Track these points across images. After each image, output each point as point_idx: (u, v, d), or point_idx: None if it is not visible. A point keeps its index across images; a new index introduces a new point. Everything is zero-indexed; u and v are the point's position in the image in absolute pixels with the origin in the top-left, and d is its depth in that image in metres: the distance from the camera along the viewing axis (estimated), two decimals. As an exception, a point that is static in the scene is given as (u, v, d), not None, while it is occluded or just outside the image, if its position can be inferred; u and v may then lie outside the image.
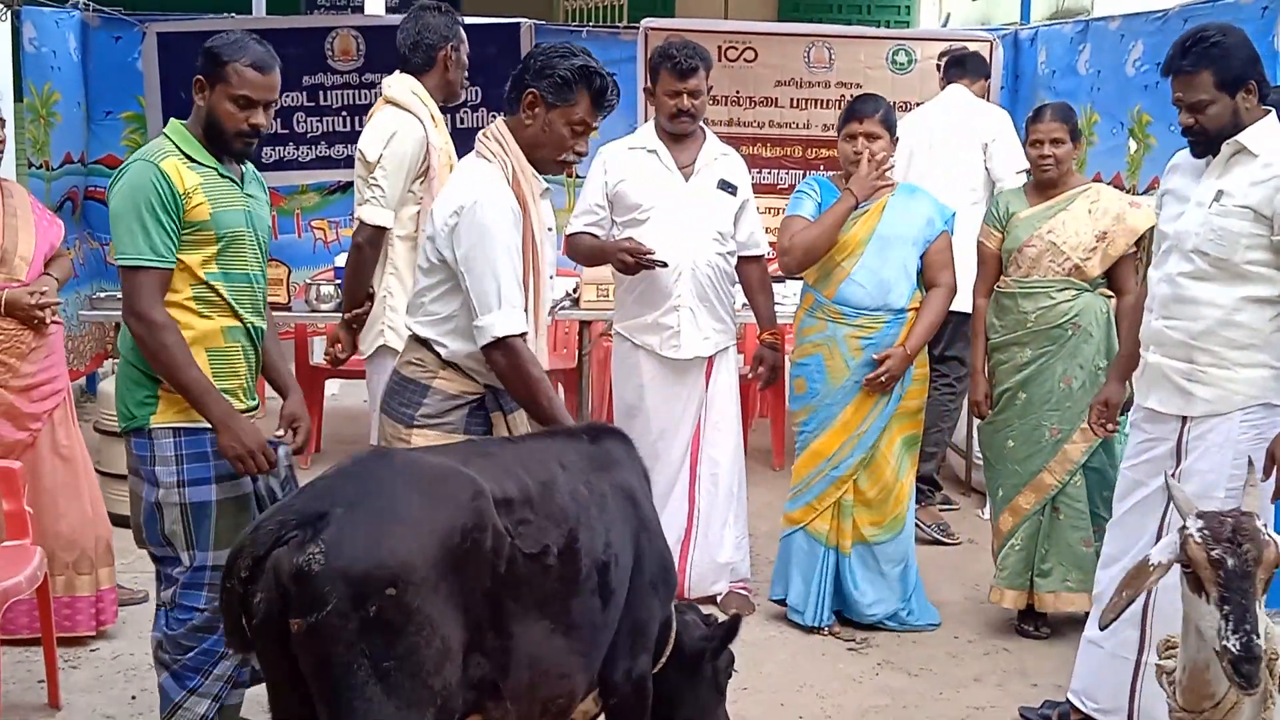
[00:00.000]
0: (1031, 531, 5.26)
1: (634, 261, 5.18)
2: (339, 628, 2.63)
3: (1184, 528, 3.09)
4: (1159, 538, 4.15)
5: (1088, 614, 4.73)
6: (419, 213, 4.82)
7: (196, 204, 3.63)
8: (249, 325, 3.78)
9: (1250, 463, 4.00)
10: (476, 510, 2.86)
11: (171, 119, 3.81)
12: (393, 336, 4.86)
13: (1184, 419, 4.09)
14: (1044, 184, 5.26)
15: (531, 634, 3.00)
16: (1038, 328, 5.19)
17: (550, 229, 3.92)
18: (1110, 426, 4.70)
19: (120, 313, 7.32)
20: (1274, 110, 4.02)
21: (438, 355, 3.79)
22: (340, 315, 5.03)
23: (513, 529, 2.95)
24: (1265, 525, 3.10)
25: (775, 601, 5.49)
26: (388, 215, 4.85)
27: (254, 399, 3.88)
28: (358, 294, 4.90)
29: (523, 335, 3.67)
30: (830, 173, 5.64)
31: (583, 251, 5.50)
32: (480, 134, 3.87)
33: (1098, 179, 6.85)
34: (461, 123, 8.52)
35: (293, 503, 2.85)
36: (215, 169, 3.71)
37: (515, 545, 2.95)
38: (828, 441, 5.29)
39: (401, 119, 4.87)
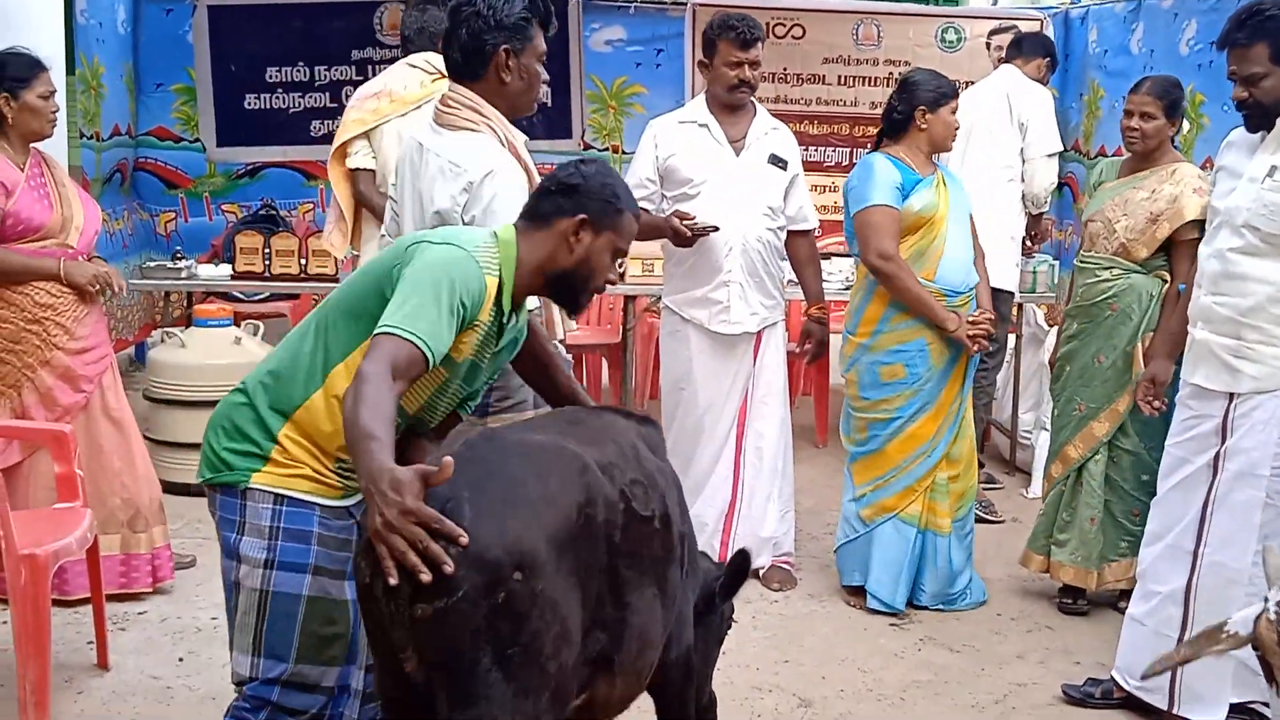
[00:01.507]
0: (1054, 500, 5.33)
1: (689, 234, 5.14)
2: (468, 614, 2.52)
3: (1265, 600, 2.65)
4: (1203, 517, 4.16)
5: (1128, 592, 4.72)
6: None
7: (465, 340, 2.94)
8: None
9: None
10: (586, 485, 2.77)
11: (509, 227, 3.06)
12: None
13: (1230, 396, 4.07)
14: (1135, 158, 5.21)
15: (644, 601, 2.93)
16: (1081, 303, 5.21)
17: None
18: (1156, 404, 4.69)
19: (169, 281, 7.48)
20: None
21: None
22: None
23: (627, 491, 2.89)
24: None
25: (850, 588, 5.45)
26: None
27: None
28: None
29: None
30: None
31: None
32: (443, 104, 3.74)
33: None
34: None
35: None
36: (504, 310, 3.01)
37: (632, 508, 2.88)
38: (927, 425, 5.25)
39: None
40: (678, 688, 3.31)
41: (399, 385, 2.73)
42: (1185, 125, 6.93)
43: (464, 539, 2.46)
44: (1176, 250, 4.99)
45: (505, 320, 3.02)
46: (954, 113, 5.26)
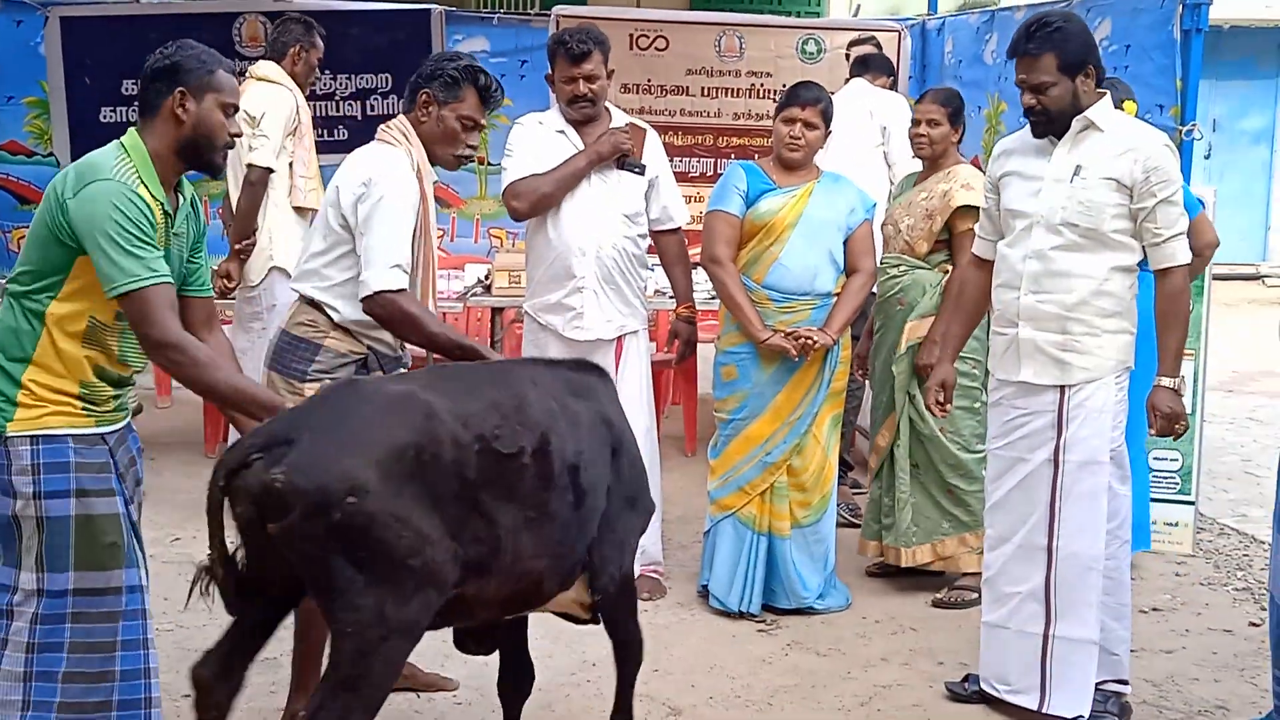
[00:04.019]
0: (877, 487, 5.68)
1: (623, 142, 5.27)
2: (306, 530, 3.11)
3: None
4: (1052, 511, 4.27)
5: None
6: (290, 163, 6.31)
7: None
8: (120, 375, 3.42)
9: None
10: (428, 430, 3.27)
11: (131, 131, 3.37)
12: (281, 257, 6.20)
13: (1061, 389, 4.23)
14: (927, 166, 5.59)
15: (515, 521, 3.44)
16: (880, 301, 5.61)
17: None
18: (948, 409, 4.81)
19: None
20: (1109, 93, 4.28)
21: (329, 318, 4.15)
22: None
23: (487, 434, 3.38)
24: None
25: (703, 588, 5.53)
26: (273, 159, 6.18)
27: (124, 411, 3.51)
28: (248, 228, 6.20)
29: (399, 292, 4.02)
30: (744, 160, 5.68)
31: (547, 185, 5.24)
32: (383, 126, 4.24)
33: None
34: (371, 110, 8.56)
35: (270, 426, 3.24)
36: (162, 203, 3.34)
37: (492, 448, 3.38)
38: (760, 428, 5.34)
39: (274, 89, 6.26)
40: (616, 605, 3.89)
41: (178, 321, 3.29)
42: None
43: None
44: (956, 241, 5.36)
45: (166, 205, 3.35)
46: (787, 123, 5.31)
